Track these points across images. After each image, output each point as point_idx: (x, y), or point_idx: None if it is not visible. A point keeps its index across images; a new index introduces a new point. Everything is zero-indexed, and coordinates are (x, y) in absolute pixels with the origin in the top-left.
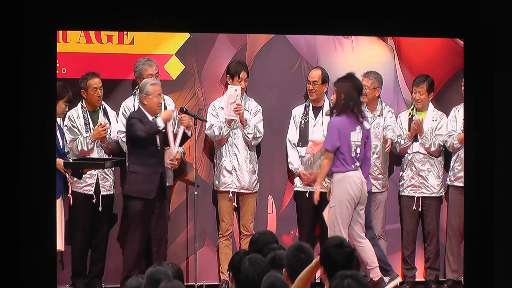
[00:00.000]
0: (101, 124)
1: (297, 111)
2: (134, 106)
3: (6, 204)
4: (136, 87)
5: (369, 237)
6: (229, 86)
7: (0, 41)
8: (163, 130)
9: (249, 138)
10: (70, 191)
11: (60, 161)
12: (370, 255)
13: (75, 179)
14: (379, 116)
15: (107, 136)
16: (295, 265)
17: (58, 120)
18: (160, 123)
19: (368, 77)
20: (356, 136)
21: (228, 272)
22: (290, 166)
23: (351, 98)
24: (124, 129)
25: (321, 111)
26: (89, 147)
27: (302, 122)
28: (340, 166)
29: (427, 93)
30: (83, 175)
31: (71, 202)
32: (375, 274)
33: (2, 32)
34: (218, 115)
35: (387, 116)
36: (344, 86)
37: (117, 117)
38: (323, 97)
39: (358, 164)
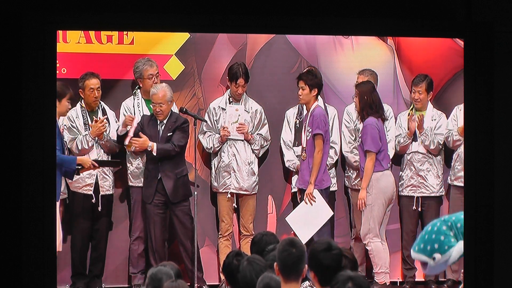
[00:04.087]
0: (99, 119)
1: (291, 112)
2: (134, 106)
3: (7, 204)
4: (136, 87)
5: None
6: (228, 106)
7: (0, 41)
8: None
9: (257, 152)
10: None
11: (86, 159)
12: (382, 256)
13: (75, 178)
14: None
15: (105, 134)
16: (286, 260)
17: (61, 120)
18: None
19: (364, 74)
20: (386, 136)
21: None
22: (287, 163)
23: (373, 100)
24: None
25: None
26: (89, 145)
27: (297, 122)
28: (378, 165)
29: (426, 92)
30: (78, 176)
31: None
32: (380, 278)
33: (2, 32)
34: (216, 115)
35: (387, 115)
36: (365, 87)
37: (116, 117)
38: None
39: (390, 163)
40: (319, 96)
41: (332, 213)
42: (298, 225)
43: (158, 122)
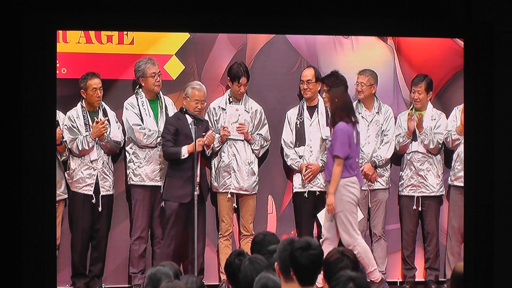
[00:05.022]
0: (100, 120)
1: (292, 113)
2: (138, 105)
3: (7, 204)
4: (137, 87)
5: None
6: (228, 106)
7: (0, 41)
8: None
9: (257, 152)
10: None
11: None
12: (370, 256)
13: (75, 178)
14: (377, 113)
15: (106, 135)
16: (286, 260)
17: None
18: (184, 152)
19: (364, 74)
20: (356, 141)
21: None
22: (289, 161)
23: (344, 103)
24: (139, 122)
25: (316, 110)
26: (90, 145)
27: (298, 122)
28: (346, 171)
29: (425, 92)
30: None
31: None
32: (375, 276)
33: (2, 32)
34: (216, 115)
35: (387, 115)
36: (337, 92)
37: (116, 118)
38: (316, 95)
39: (358, 169)
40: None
41: (363, 216)
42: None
43: (189, 122)
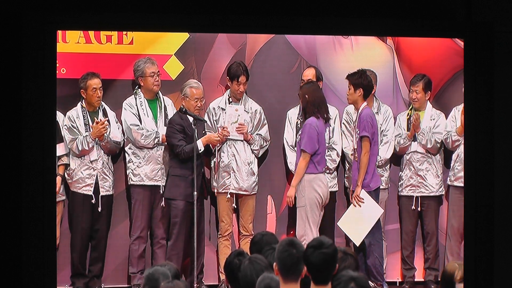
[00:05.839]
0: (100, 120)
1: (292, 113)
2: (136, 105)
3: (7, 204)
4: (137, 87)
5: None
6: (228, 106)
7: (0, 41)
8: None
9: (256, 152)
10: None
11: None
12: None
13: (74, 179)
14: (376, 113)
15: (106, 135)
16: (286, 260)
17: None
18: (200, 146)
19: None
20: (327, 138)
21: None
22: (290, 166)
23: (315, 100)
24: (136, 122)
25: None
26: (90, 146)
27: (299, 122)
28: (313, 168)
29: (423, 91)
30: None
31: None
32: None
33: (2, 32)
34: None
35: (387, 115)
36: (308, 88)
37: (116, 118)
38: None
39: (326, 166)
40: None
41: (383, 210)
42: (350, 229)
43: (191, 121)
